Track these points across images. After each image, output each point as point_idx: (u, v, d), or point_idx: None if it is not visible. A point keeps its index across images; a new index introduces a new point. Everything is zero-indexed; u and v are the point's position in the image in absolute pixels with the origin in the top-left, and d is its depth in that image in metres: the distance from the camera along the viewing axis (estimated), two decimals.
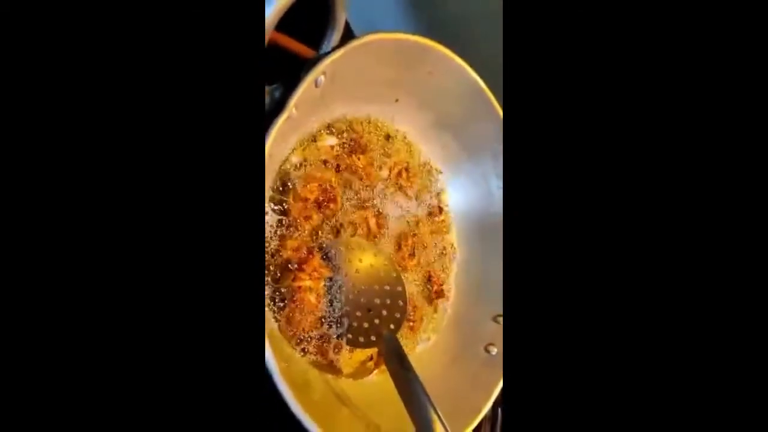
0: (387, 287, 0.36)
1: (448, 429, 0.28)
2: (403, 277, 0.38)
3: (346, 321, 0.34)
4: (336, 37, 0.28)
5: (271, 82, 0.26)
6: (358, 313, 0.34)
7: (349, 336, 0.34)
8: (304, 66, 0.27)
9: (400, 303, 0.36)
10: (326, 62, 0.27)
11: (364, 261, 0.36)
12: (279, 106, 0.26)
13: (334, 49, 0.28)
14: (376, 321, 0.35)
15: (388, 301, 0.36)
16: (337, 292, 0.34)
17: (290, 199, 0.34)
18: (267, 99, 0.26)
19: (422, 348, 0.42)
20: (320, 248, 0.35)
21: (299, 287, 0.33)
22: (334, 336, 0.34)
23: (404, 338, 0.41)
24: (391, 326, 0.35)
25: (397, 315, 0.36)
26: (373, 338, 0.34)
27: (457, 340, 0.42)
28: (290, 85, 0.27)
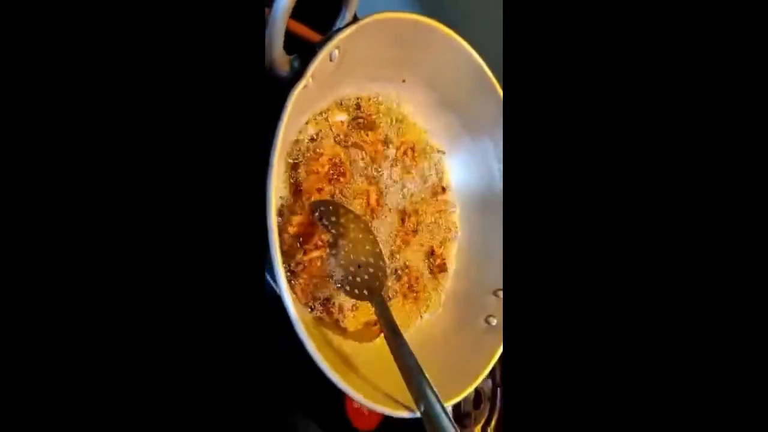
0: (368, 248, 0.37)
1: (436, 392, 0.30)
2: (402, 249, 0.41)
3: (341, 272, 0.35)
4: (349, 14, 0.30)
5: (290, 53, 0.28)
6: (352, 268, 0.36)
7: (347, 287, 0.35)
8: (320, 41, 0.29)
9: (381, 263, 0.37)
10: (341, 36, 0.29)
11: (353, 228, 0.37)
12: (298, 74, 0.28)
13: (347, 25, 0.30)
14: (366, 276, 0.36)
15: (372, 260, 0.37)
16: (335, 252, 0.36)
17: (303, 172, 0.36)
18: (287, 68, 0.28)
19: (426, 318, 0.44)
20: (319, 220, 0.36)
21: (310, 260, 0.35)
22: (336, 286, 0.36)
23: (408, 308, 0.43)
24: (377, 283, 0.36)
25: (380, 274, 0.37)
26: (365, 292, 0.35)
27: (459, 311, 0.44)
28: (307, 57, 0.29)
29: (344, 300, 0.38)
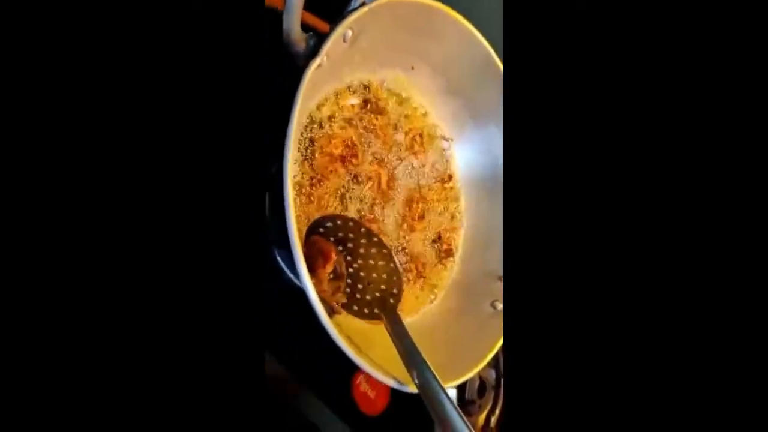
0: (381, 263, 0.37)
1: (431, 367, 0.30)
2: (409, 235, 0.41)
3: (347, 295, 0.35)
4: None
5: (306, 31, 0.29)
6: (360, 285, 0.36)
7: (354, 308, 0.35)
8: (337, 21, 0.30)
9: (395, 278, 0.37)
10: (354, 16, 0.30)
11: (363, 243, 0.37)
12: (313, 52, 0.28)
13: (361, 5, 0.31)
14: (377, 294, 0.36)
15: (385, 276, 0.36)
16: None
17: (317, 155, 0.37)
18: (303, 45, 0.29)
19: (433, 302, 0.44)
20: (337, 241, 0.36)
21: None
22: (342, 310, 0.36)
23: (416, 293, 0.43)
24: (390, 300, 0.36)
25: (394, 289, 0.36)
26: (375, 311, 0.35)
27: (465, 296, 0.44)
28: (322, 36, 0.29)
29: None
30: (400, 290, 0.36)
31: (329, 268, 0.32)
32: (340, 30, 0.30)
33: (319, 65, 0.29)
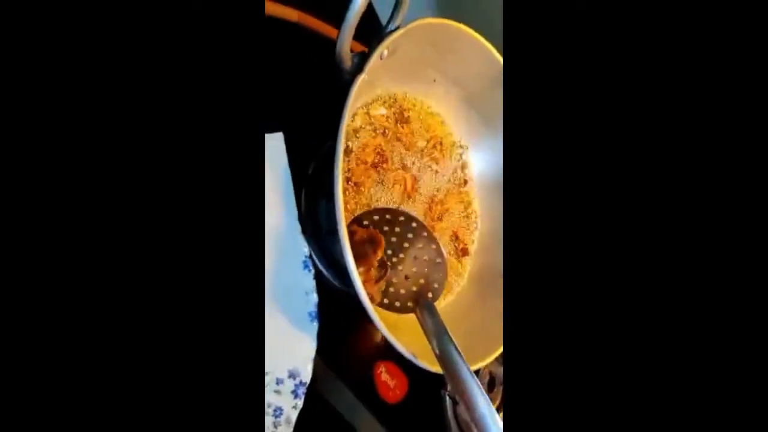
0: (426, 258, 0.38)
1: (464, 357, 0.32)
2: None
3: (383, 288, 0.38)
4: (400, 17, 0.35)
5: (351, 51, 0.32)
6: (395, 280, 0.38)
7: (385, 301, 0.38)
8: (374, 40, 0.34)
9: (439, 273, 0.38)
10: (394, 37, 0.34)
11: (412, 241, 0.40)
12: (358, 68, 0.32)
13: (397, 28, 0.35)
14: (414, 288, 0.38)
15: (426, 270, 0.38)
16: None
17: (353, 164, 0.41)
18: (349, 63, 0.32)
19: (448, 298, 0.48)
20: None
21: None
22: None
23: None
24: (429, 294, 0.38)
25: (435, 285, 0.38)
26: (409, 304, 0.37)
27: (480, 291, 0.48)
28: (365, 55, 0.33)
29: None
30: (442, 284, 0.38)
31: (380, 254, 0.35)
32: (380, 49, 0.33)
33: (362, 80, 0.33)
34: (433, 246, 0.39)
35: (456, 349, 0.33)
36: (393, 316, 0.41)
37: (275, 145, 0.37)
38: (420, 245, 0.39)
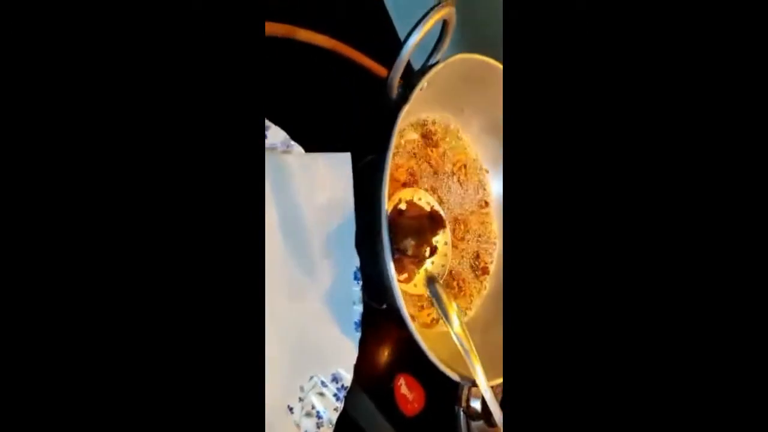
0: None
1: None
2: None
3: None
4: (441, 53, 0.38)
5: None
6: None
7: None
8: (417, 72, 0.37)
9: None
10: (435, 70, 0.37)
11: None
12: (403, 98, 0.35)
13: (437, 62, 0.38)
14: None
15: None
16: None
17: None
18: (395, 93, 0.35)
19: (468, 314, 0.50)
20: None
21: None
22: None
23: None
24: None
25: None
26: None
27: (498, 309, 0.50)
28: (409, 86, 0.36)
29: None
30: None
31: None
32: (423, 81, 0.36)
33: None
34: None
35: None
36: (422, 329, 0.44)
37: (341, 164, 0.39)
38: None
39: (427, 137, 0.47)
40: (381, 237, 0.33)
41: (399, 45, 0.38)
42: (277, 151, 0.38)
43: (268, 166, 0.36)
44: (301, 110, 0.49)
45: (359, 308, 0.39)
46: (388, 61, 0.35)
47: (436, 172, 0.48)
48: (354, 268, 0.39)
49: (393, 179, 0.43)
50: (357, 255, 0.39)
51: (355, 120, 0.48)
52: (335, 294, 0.38)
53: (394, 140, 0.45)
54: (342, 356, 0.38)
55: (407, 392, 0.53)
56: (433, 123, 0.49)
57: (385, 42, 0.58)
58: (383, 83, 0.34)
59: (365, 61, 0.56)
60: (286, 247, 0.36)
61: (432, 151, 0.47)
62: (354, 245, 0.38)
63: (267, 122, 0.38)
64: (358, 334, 0.39)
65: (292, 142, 0.39)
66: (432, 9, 0.31)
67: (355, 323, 0.39)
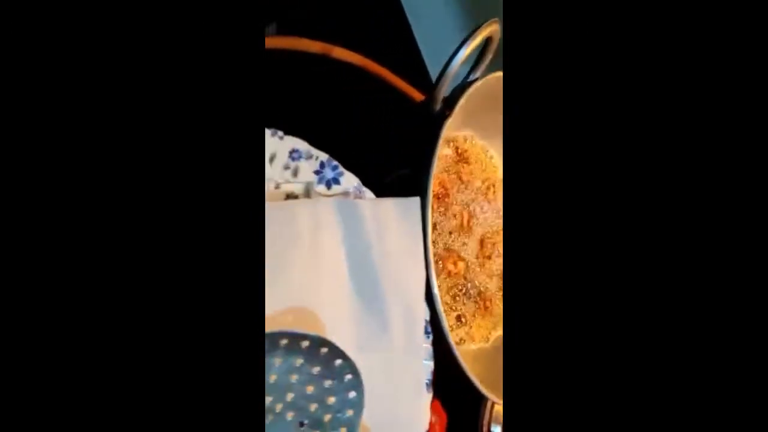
0: None
1: None
2: (478, 272, 0.48)
3: None
4: (480, 69, 0.39)
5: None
6: None
7: None
8: (458, 87, 0.38)
9: None
10: (476, 86, 0.38)
11: None
12: (442, 111, 0.36)
13: (477, 79, 0.38)
14: None
15: None
16: None
17: None
18: (438, 107, 0.36)
19: (495, 333, 0.50)
20: None
21: None
22: None
23: (485, 324, 0.49)
24: None
25: None
26: None
27: None
28: (451, 101, 0.37)
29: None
30: None
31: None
32: (464, 97, 0.37)
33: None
34: None
35: None
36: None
37: (411, 209, 0.36)
38: None
39: (460, 153, 0.48)
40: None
41: (424, 67, 0.38)
42: (350, 196, 0.36)
43: (340, 213, 0.34)
44: (336, 129, 0.50)
45: (430, 365, 0.36)
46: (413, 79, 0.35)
47: (466, 188, 0.48)
48: (423, 322, 0.36)
49: None
50: (427, 307, 0.36)
51: (386, 135, 0.48)
52: (404, 347, 0.35)
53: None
54: (410, 422, 0.35)
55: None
56: (464, 140, 0.49)
57: (410, 63, 0.60)
58: (409, 100, 0.35)
59: (393, 79, 0.58)
60: (357, 295, 0.34)
61: (463, 167, 0.47)
62: (423, 295, 0.36)
63: (340, 168, 0.36)
64: (429, 395, 0.36)
65: (364, 188, 0.37)
66: (480, 26, 0.32)
67: (426, 383, 0.35)
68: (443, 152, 0.46)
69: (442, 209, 0.45)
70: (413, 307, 0.35)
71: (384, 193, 0.44)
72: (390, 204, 0.36)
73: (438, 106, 0.36)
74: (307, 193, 0.35)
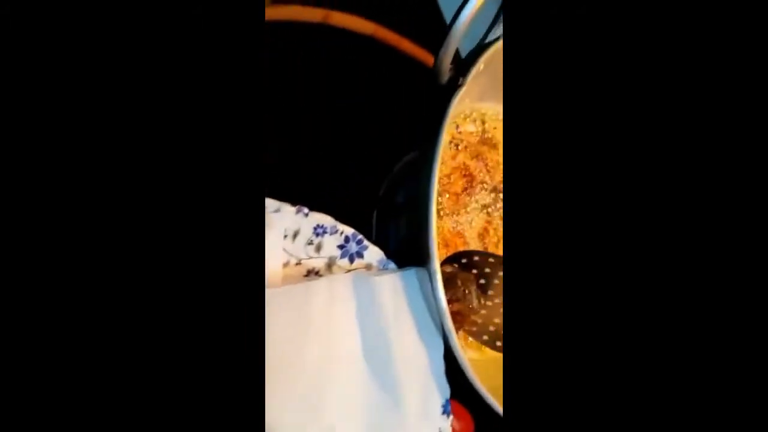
0: None
1: None
2: None
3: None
4: (497, 32, 0.32)
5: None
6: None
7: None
8: (470, 52, 0.31)
9: None
10: (492, 50, 0.31)
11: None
12: (453, 82, 0.29)
13: (497, 39, 0.31)
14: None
15: None
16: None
17: (446, 198, 0.38)
18: (446, 76, 0.29)
19: None
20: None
21: None
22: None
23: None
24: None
25: None
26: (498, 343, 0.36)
27: None
28: (462, 68, 0.30)
29: None
30: None
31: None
32: (479, 62, 0.30)
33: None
34: None
35: None
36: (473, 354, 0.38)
37: (423, 280, 0.32)
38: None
39: (486, 135, 0.41)
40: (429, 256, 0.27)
41: (445, 25, 0.32)
42: (373, 270, 0.34)
43: (357, 289, 0.32)
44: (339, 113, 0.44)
45: None
46: (434, 46, 0.29)
47: (491, 178, 0.42)
48: (443, 401, 0.33)
49: (452, 194, 0.38)
50: (447, 385, 0.33)
51: (400, 113, 0.42)
52: (417, 426, 0.32)
53: (449, 134, 0.39)
54: None
55: (454, 421, 0.47)
56: (489, 114, 0.42)
57: (430, 26, 0.52)
58: (430, 70, 0.29)
59: (408, 46, 0.51)
60: (370, 375, 0.31)
61: (489, 151, 0.41)
62: (443, 374, 0.33)
63: (365, 242, 0.34)
64: None
65: (389, 261, 0.34)
66: None
67: None
68: (465, 128, 0.39)
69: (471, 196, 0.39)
70: (430, 387, 0.32)
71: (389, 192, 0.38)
72: (397, 277, 0.33)
73: (446, 75, 0.29)
74: (329, 267, 0.34)
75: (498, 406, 0.30)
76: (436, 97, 0.29)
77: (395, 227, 0.40)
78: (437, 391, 0.32)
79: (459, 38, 0.27)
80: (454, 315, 0.34)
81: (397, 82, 0.47)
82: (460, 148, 0.40)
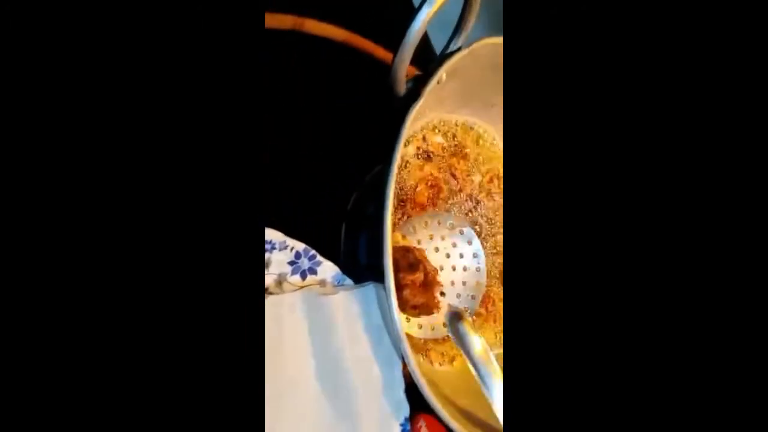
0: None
1: None
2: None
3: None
4: (462, 38, 0.31)
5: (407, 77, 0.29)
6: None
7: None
8: (434, 61, 0.30)
9: None
10: (454, 59, 0.30)
11: None
12: (413, 94, 0.28)
13: (458, 49, 0.31)
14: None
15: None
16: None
17: (407, 186, 0.37)
18: (403, 88, 0.29)
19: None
20: None
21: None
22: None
23: (495, 329, 0.43)
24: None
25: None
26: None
27: None
28: (420, 79, 0.29)
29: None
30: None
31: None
32: (439, 73, 0.30)
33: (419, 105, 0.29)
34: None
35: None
36: (435, 369, 0.37)
37: (370, 297, 0.32)
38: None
39: (454, 146, 0.40)
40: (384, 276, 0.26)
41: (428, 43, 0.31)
42: (327, 286, 0.33)
43: (308, 307, 0.31)
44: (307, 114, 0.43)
45: None
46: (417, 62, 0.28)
47: (461, 189, 0.41)
48: (401, 420, 0.32)
49: (416, 204, 0.37)
50: (407, 403, 0.32)
51: (373, 122, 0.42)
52: None
53: (407, 145, 0.39)
54: None
55: None
56: (456, 125, 0.42)
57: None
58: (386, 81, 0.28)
59: (383, 54, 0.50)
60: (323, 397, 0.31)
61: (459, 162, 0.40)
62: (403, 392, 0.32)
63: (318, 258, 0.33)
64: None
65: (345, 277, 0.34)
66: None
67: None
68: (433, 139, 0.39)
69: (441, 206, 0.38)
70: (388, 407, 0.32)
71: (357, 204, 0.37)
72: (351, 295, 0.32)
73: (402, 88, 0.28)
74: (280, 285, 0.32)
75: (458, 427, 0.29)
76: (394, 109, 0.28)
77: (366, 240, 0.39)
78: (395, 412, 0.32)
79: (414, 45, 0.26)
80: (422, 307, 0.34)
81: (370, 90, 0.47)
82: (434, 160, 0.39)
